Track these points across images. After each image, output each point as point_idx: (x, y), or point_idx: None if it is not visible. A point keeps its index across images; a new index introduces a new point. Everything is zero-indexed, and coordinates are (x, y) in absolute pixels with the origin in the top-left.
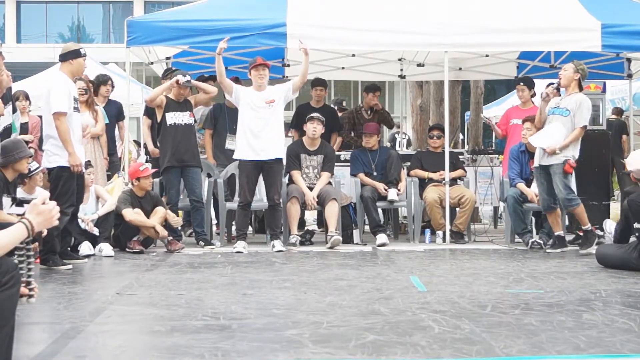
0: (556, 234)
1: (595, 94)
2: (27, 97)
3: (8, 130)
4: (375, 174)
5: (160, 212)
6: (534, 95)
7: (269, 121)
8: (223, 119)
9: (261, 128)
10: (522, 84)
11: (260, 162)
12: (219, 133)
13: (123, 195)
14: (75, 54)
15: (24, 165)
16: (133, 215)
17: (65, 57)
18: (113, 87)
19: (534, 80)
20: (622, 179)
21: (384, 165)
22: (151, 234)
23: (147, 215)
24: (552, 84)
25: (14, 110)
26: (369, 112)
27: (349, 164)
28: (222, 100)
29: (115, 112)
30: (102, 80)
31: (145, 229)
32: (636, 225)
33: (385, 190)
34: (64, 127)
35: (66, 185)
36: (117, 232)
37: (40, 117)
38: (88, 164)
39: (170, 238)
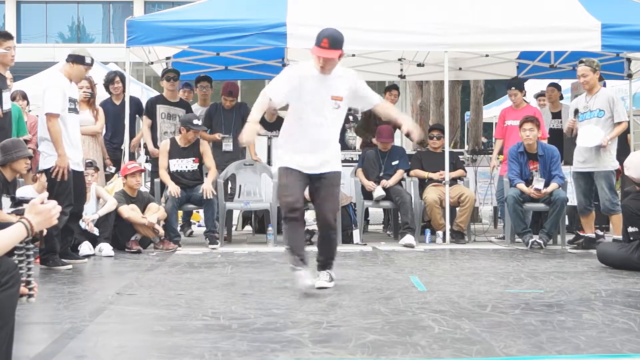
0: (587, 235)
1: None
2: (24, 97)
3: (8, 115)
4: (382, 174)
5: (154, 207)
6: (524, 95)
7: None
8: (218, 119)
9: None
10: (514, 88)
11: None
12: (215, 133)
13: (117, 195)
14: (78, 60)
15: (22, 165)
16: (130, 212)
17: (68, 58)
18: (123, 82)
19: (534, 81)
20: (625, 178)
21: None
22: (148, 233)
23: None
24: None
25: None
26: None
27: (349, 163)
28: (218, 100)
29: (134, 108)
30: (109, 79)
31: (142, 227)
32: (630, 229)
33: (372, 188)
34: (55, 128)
35: (62, 185)
36: (115, 232)
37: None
38: (90, 164)
39: (162, 237)
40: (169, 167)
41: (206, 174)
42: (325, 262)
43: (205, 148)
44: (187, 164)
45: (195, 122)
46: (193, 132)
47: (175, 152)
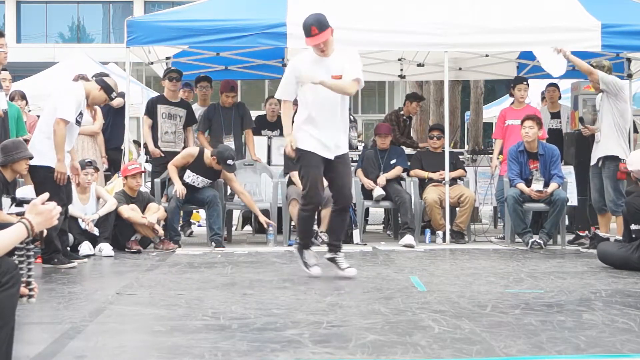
0: (600, 234)
1: (596, 94)
2: (23, 97)
3: (6, 114)
4: (381, 173)
5: (153, 207)
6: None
7: None
8: (218, 119)
9: None
10: (525, 82)
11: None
12: (215, 134)
13: (117, 195)
14: (107, 90)
15: (23, 166)
16: (130, 212)
17: (99, 81)
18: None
19: (535, 81)
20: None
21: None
22: (148, 233)
23: None
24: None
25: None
26: (407, 120)
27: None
28: (217, 100)
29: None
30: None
31: (142, 227)
32: (633, 226)
33: (372, 187)
34: (62, 133)
35: (55, 185)
36: (115, 232)
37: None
38: (89, 164)
39: (162, 237)
40: (181, 173)
41: (231, 195)
42: (337, 244)
43: (229, 175)
44: (201, 182)
45: (229, 162)
46: (221, 167)
47: (198, 166)
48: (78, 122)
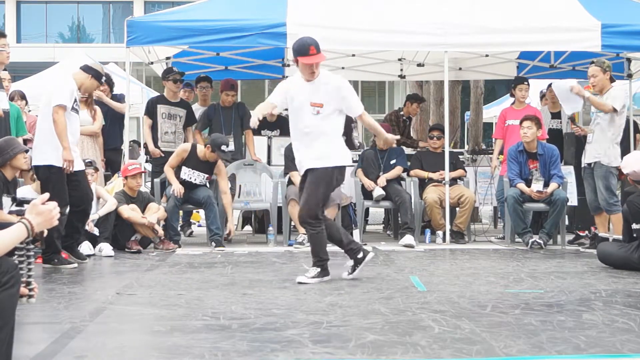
0: (599, 234)
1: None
2: (23, 97)
3: (6, 114)
4: (381, 173)
5: (153, 207)
6: None
7: None
8: (218, 119)
9: None
10: (526, 83)
11: None
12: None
13: (117, 195)
14: (97, 76)
15: (21, 160)
16: (130, 212)
17: (87, 69)
18: (111, 84)
19: (535, 81)
20: (626, 179)
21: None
22: (148, 233)
23: None
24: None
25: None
26: (407, 120)
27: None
28: (218, 100)
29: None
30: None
31: (142, 227)
32: (634, 226)
33: (372, 187)
34: (62, 120)
35: (57, 185)
36: (115, 232)
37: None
38: (89, 164)
39: (162, 237)
40: (177, 171)
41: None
42: (313, 259)
43: (221, 168)
44: (197, 177)
45: (223, 148)
46: (216, 155)
47: (192, 161)
48: (75, 110)
